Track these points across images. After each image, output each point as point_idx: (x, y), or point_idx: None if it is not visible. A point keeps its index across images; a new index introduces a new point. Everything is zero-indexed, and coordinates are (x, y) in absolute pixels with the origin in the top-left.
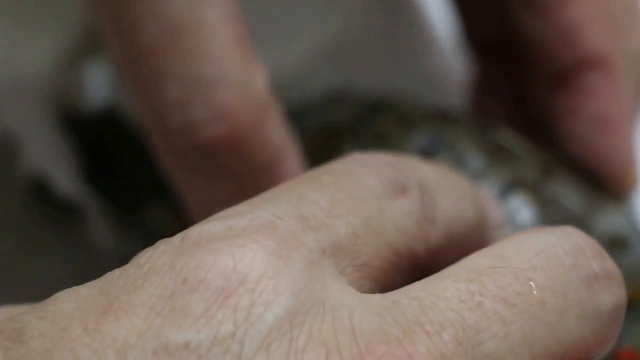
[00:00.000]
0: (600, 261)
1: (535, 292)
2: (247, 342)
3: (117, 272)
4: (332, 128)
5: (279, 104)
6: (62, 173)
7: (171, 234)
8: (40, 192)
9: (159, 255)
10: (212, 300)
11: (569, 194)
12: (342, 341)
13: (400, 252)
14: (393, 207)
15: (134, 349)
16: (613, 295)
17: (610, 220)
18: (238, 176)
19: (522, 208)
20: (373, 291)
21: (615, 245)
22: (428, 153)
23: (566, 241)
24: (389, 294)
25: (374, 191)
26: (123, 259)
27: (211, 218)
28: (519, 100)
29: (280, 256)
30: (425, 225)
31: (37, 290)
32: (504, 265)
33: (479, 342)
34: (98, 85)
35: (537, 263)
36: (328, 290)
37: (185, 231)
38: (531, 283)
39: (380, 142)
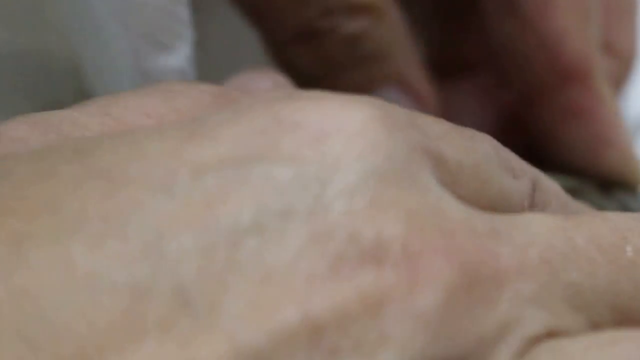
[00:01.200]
0: None
1: (628, 250)
2: (329, 185)
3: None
4: None
5: None
6: None
7: None
8: None
9: (259, 99)
10: (303, 142)
11: None
12: (425, 214)
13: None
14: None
15: (210, 171)
16: None
17: None
18: None
19: None
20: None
21: None
22: None
23: None
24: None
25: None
26: None
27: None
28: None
29: (386, 125)
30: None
31: None
32: (602, 219)
33: (564, 268)
34: None
35: (636, 227)
36: (422, 173)
37: None
38: (626, 241)
39: None
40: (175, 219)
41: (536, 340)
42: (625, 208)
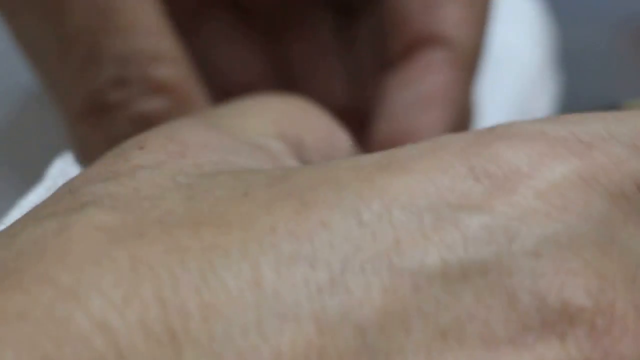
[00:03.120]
0: None
1: None
2: (516, 240)
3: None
4: None
5: None
6: None
7: None
8: None
9: (455, 137)
10: (494, 191)
11: None
12: (618, 285)
13: None
14: None
15: (402, 207)
16: None
17: None
18: None
19: None
20: None
21: None
22: None
23: None
24: None
25: None
26: None
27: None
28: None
29: (585, 178)
30: None
31: None
32: None
33: None
34: None
35: None
36: (622, 230)
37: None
38: None
39: None
40: (361, 249)
41: None
42: None
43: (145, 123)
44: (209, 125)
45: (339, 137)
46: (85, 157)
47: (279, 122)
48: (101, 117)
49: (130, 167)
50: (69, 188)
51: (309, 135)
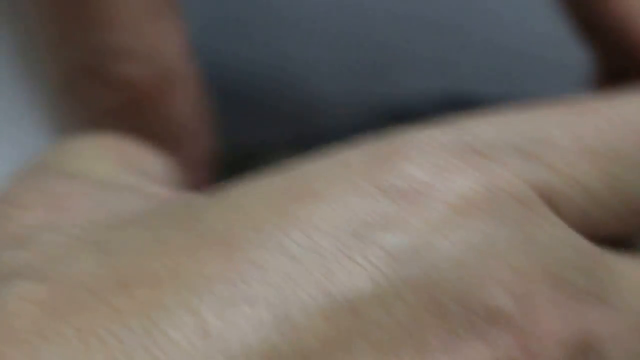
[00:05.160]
0: None
1: None
2: (438, 252)
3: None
4: None
5: (196, 75)
6: None
7: None
8: None
9: (354, 153)
10: (406, 207)
11: None
12: (537, 278)
13: None
14: None
15: (324, 234)
16: None
17: None
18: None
19: None
20: None
21: None
22: None
23: None
24: None
25: None
26: None
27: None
28: None
29: (488, 187)
30: None
31: None
32: None
33: None
34: None
35: None
36: (541, 228)
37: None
38: None
39: None
40: (298, 284)
41: None
42: None
43: (109, 115)
44: (64, 173)
45: (155, 161)
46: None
47: (118, 158)
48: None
49: (22, 229)
50: None
51: (145, 163)
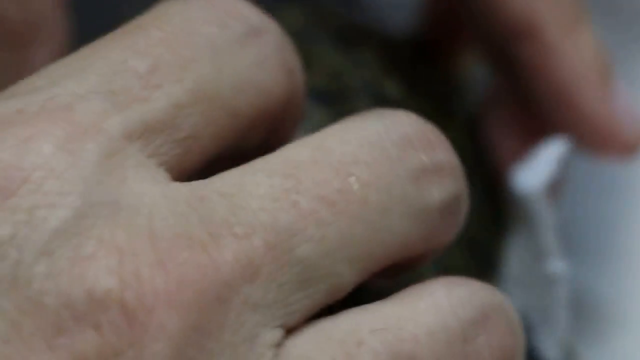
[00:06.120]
0: (429, 152)
1: (356, 189)
2: (26, 247)
3: None
4: None
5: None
6: None
7: None
8: None
9: None
10: None
11: None
12: (138, 246)
13: (240, 111)
14: (236, 59)
15: None
16: (443, 189)
17: None
18: None
19: None
20: (199, 164)
21: None
22: None
23: (393, 129)
24: (198, 184)
25: (213, 42)
26: None
27: (6, 92)
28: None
29: (70, 150)
30: (281, 73)
31: None
32: (324, 157)
33: (292, 246)
34: None
35: (361, 156)
36: (126, 186)
37: None
38: (352, 178)
39: None
40: None
41: (279, 343)
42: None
43: None
44: None
45: None
46: None
47: None
48: None
49: None
50: None
51: None
